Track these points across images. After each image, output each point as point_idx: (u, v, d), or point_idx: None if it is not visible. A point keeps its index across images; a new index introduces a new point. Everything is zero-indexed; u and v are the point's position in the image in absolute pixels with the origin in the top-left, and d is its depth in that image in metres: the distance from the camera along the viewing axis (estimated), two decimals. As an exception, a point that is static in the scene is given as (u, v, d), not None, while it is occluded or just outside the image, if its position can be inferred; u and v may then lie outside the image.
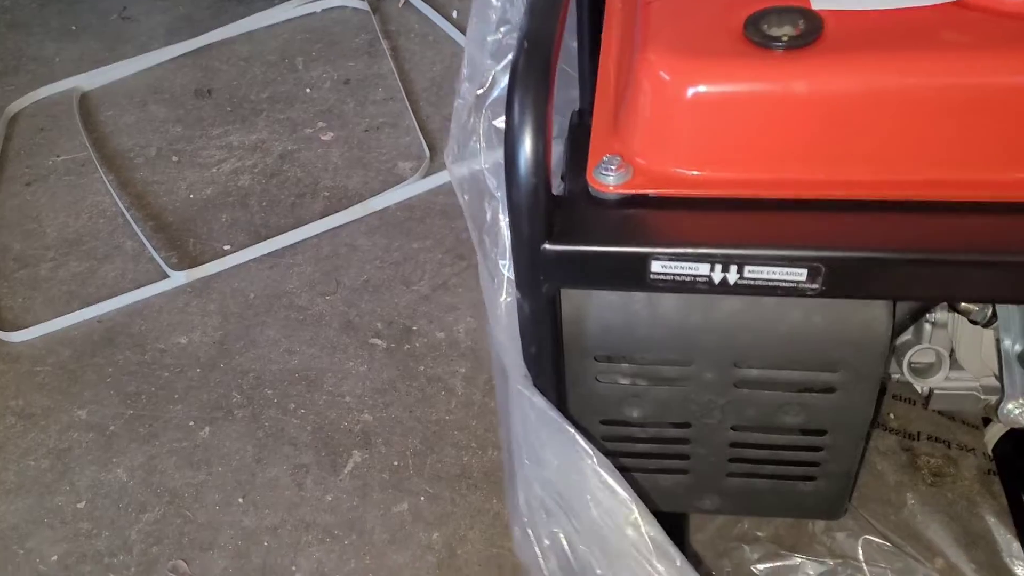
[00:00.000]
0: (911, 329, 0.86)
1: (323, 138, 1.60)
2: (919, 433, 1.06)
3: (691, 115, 0.61)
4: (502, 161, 0.59)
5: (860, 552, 0.95)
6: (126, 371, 1.25)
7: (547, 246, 0.61)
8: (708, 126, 0.62)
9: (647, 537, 0.67)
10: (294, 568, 1.03)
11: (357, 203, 1.47)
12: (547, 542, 0.75)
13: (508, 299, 0.67)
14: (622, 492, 0.66)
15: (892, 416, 1.09)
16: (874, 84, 0.59)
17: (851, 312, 0.68)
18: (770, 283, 0.61)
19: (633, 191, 0.63)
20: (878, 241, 0.59)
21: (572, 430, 0.67)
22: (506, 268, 0.66)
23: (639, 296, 0.69)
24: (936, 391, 0.87)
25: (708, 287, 0.61)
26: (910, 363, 0.85)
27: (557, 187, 0.62)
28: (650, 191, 0.63)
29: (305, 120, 1.63)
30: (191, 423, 1.19)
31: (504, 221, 0.65)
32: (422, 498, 1.08)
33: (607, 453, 0.81)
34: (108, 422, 1.19)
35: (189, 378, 1.24)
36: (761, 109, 0.61)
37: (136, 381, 1.24)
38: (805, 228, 0.61)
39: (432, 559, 1.02)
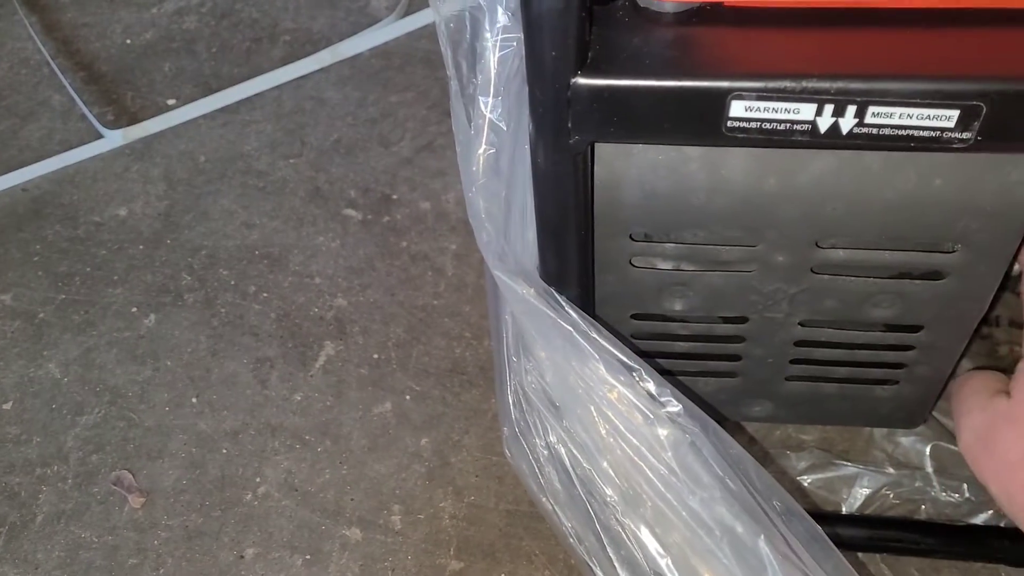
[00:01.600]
0: None
1: (281, -28, 1.36)
2: (998, 318, 0.90)
3: None
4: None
5: (928, 460, 0.80)
6: (56, 248, 1.06)
7: (579, 80, 0.42)
8: None
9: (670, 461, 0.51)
10: (258, 479, 0.87)
11: (324, 48, 1.24)
12: (544, 452, 0.59)
13: (488, 151, 0.48)
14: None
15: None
16: None
17: (984, 173, 0.50)
18: (903, 131, 0.42)
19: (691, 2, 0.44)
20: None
21: (569, 327, 0.50)
22: (487, 107, 0.47)
23: (695, 153, 0.51)
24: (1034, 270, 0.71)
25: (810, 138, 0.43)
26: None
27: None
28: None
29: (260, -51, 1.38)
30: (134, 309, 1.01)
31: (492, 41, 0.45)
32: (407, 397, 0.92)
33: (639, 354, 0.65)
34: (37, 308, 1.01)
35: (130, 256, 1.05)
36: None
37: (68, 260, 1.05)
38: (958, 50, 0.42)
39: (421, 468, 0.87)
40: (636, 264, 0.59)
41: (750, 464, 0.55)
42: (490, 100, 0.48)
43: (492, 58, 0.47)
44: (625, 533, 0.51)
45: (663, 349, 0.66)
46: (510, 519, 0.83)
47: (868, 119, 0.42)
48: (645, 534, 0.50)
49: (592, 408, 0.50)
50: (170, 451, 0.90)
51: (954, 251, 0.54)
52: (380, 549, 0.83)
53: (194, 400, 0.94)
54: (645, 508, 0.50)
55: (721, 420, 0.73)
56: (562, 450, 0.57)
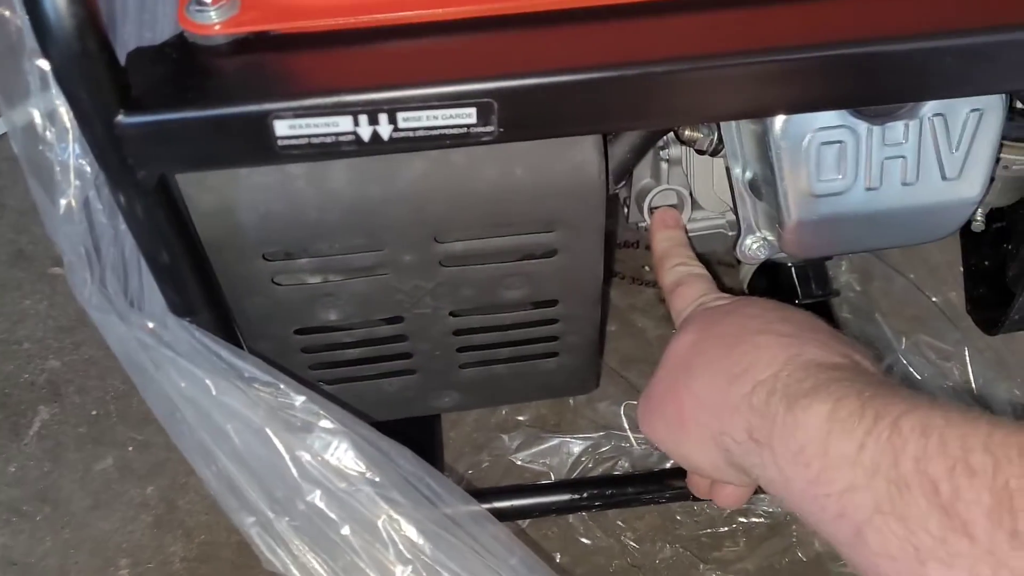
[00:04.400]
0: (649, 170, 0.76)
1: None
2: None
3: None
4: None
5: (623, 419, 0.88)
6: None
7: (122, 119, 0.44)
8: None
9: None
10: None
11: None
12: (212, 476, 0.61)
13: (73, 195, 0.50)
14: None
15: (647, 268, 1.01)
16: None
17: (555, 157, 0.56)
18: (435, 132, 0.46)
19: (242, 30, 0.47)
20: (554, 62, 0.45)
21: (172, 353, 0.52)
22: (66, 153, 0.48)
23: (298, 171, 0.54)
24: (683, 235, 0.79)
25: (358, 147, 0.47)
26: (652, 207, 0.76)
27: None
28: (266, 28, 0.47)
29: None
30: None
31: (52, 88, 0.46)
32: (130, 448, 0.91)
33: (314, 366, 0.68)
34: None
35: None
36: None
37: None
38: (466, 55, 0.47)
39: (148, 517, 0.86)
40: (280, 282, 0.61)
41: (402, 455, 0.58)
42: (69, 146, 0.49)
43: (64, 107, 0.49)
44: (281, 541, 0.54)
45: (336, 358, 0.69)
46: (242, 550, 0.84)
47: (401, 124, 0.46)
48: (294, 542, 0.52)
49: (230, 427, 0.52)
50: None
51: (554, 230, 0.60)
52: (108, 608, 0.82)
53: None
54: (293, 510, 0.53)
55: (415, 416, 0.77)
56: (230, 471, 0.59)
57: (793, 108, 0.54)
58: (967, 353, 0.87)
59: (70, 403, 0.94)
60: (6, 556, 0.84)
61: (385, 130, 0.46)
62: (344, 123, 0.45)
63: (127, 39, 0.51)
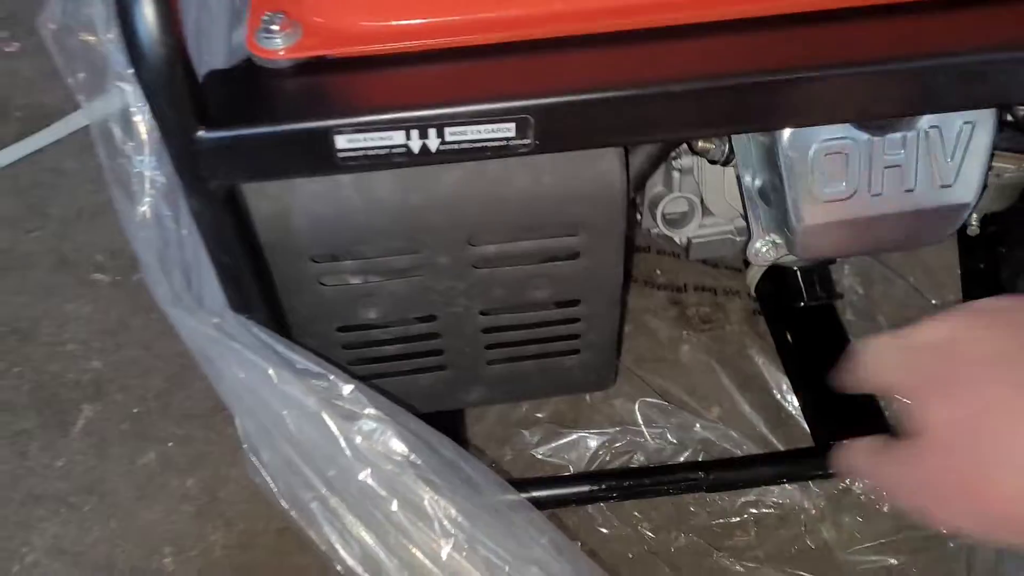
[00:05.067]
0: (661, 179, 0.81)
1: (7, 49, 1.36)
2: (686, 285, 1.04)
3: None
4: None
5: (638, 415, 0.93)
6: None
7: (202, 134, 0.49)
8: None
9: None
10: (26, 549, 0.89)
11: (58, 121, 1.26)
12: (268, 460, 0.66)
13: (148, 202, 0.55)
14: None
15: (659, 272, 1.06)
16: None
17: (581, 167, 0.61)
18: (477, 144, 0.52)
19: (305, 55, 0.52)
20: (585, 81, 0.51)
21: (238, 345, 0.57)
22: (144, 164, 0.54)
23: (348, 180, 0.59)
24: (694, 240, 0.84)
25: (409, 158, 0.52)
26: (664, 214, 0.81)
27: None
28: (326, 52, 0.52)
29: (-20, 29, 1.38)
30: None
31: (138, 104, 0.52)
32: (170, 444, 0.96)
33: (352, 362, 0.72)
34: None
35: None
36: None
37: None
38: (505, 76, 0.52)
39: (189, 508, 0.91)
40: (326, 283, 0.66)
41: (442, 443, 0.63)
42: (145, 158, 0.54)
43: (142, 122, 0.54)
44: (336, 517, 0.59)
45: (374, 355, 0.74)
46: (282, 537, 0.89)
47: (448, 138, 0.51)
48: (349, 518, 0.57)
49: (286, 414, 0.57)
50: (-71, 540, 0.90)
51: (577, 233, 0.65)
52: (154, 592, 0.87)
53: (-50, 487, 0.94)
54: (347, 491, 0.57)
55: (445, 409, 0.82)
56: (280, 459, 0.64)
57: (800, 122, 0.59)
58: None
59: (113, 401, 0.99)
60: (56, 545, 0.89)
61: (433, 143, 0.51)
62: (397, 137, 0.51)
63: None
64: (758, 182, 0.66)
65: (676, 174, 0.79)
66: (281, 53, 0.52)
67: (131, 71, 0.48)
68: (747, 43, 0.53)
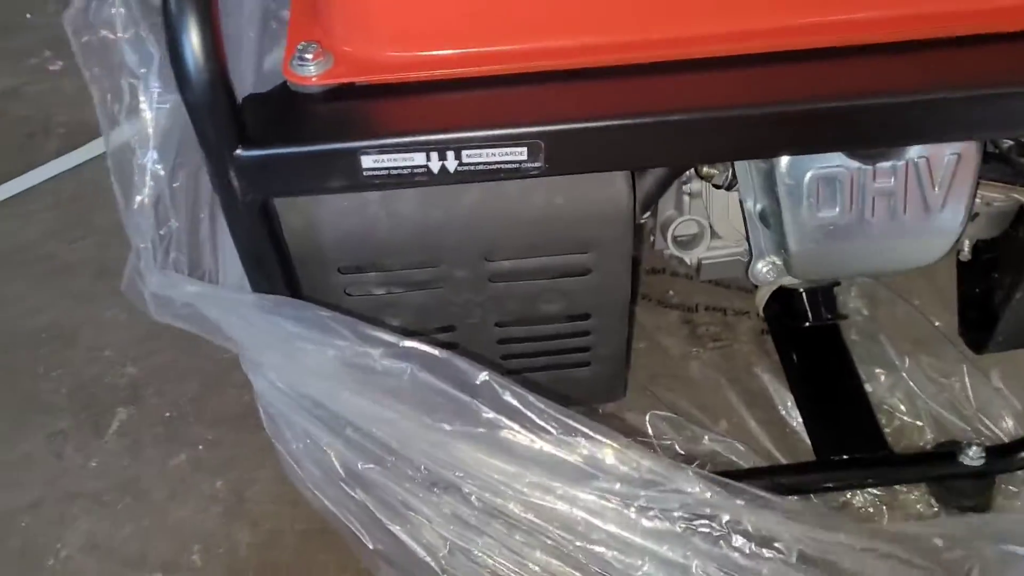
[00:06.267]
0: (673, 202, 0.85)
1: (51, 68, 1.43)
2: (697, 305, 1.08)
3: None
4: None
5: (648, 427, 0.96)
6: None
7: (240, 152, 0.54)
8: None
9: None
10: (59, 545, 0.93)
11: (99, 137, 1.32)
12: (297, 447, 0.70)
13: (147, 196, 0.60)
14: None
15: (672, 292, 1.10)
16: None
17: (591, 189, 0.65)
18: (492, 166, 0.56)
19: (335, 81, 0.57)
20: (592, 110, 0.55)
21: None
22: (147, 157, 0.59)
23: (373, 197, 0.64)
24: (704, 262, 0.87)
25: (428, 178, 0.56)
26: (675, 236, 0.84)
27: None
28: (354, 79, 0.57)
29: (28, 49, 1.45)
30: None
31: (149, 102, 0.58)
32: (201, 446, 1.00)
33: None
34: None
35: None
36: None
37: None
38: (518, 103, 0.56)
39: (218, 508, 0.95)
40: (351, 293, 0.70)
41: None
42: (148, 152, 0.60)
43: (148, 115, 0.59)
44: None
45: None
46: (304, 537, 0.93)
47: (465, 160, 0.55)
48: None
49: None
50: (-32, 534, 0.94)
51: (588, 251, 0.69)
52: (182, 586, 0.91)
53: (-11, 483, 0.98)
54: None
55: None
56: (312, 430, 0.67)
57: (797, 150, 0.63)
58: (966, 371, 0.95)
59: (147, 405, 1.04)
60: (90, 541, 0.94)
61: (451, 164, 0.56)
62: (419, 158, 0.55)
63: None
64: (758, 206, 0.70)
65: (686, 198, 0.83)
66: (313, 79, 0.57)
67: (175, 91, 0.53)
68: (742, 78, 0.57)
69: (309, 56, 0.56)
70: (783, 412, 0.98)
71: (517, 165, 0.56)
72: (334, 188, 0.57)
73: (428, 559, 0.65)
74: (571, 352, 0.80)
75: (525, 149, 0.55)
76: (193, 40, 0.50)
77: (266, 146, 0.54)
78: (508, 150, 0.55)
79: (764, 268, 0.73)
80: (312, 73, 0.57)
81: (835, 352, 0.97)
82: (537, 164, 0.56)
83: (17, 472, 0.99)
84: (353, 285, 0.70)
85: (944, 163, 0.64)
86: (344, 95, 0.57)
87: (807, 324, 0.90)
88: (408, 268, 0.69)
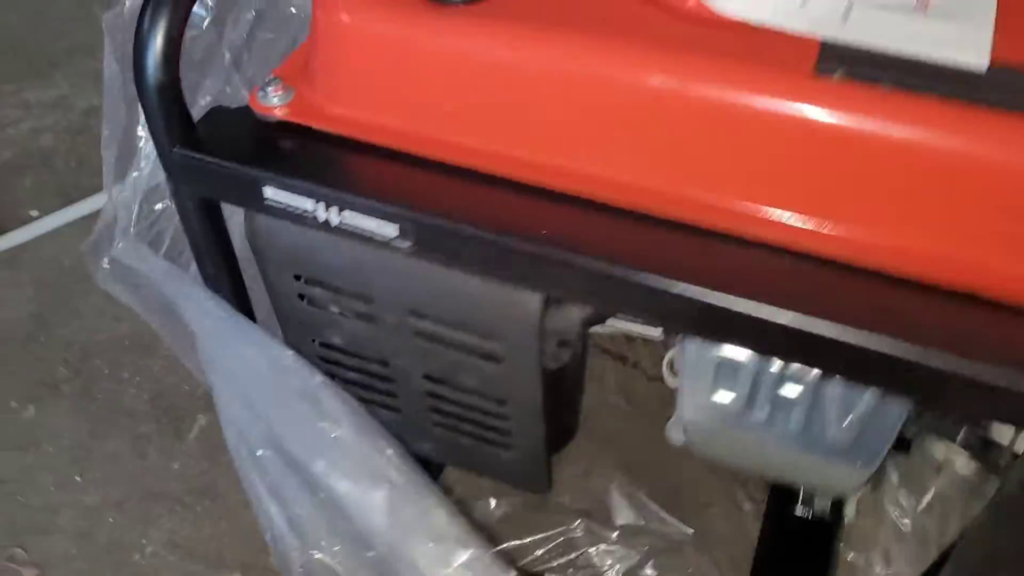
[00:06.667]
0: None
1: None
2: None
3: (333, 47, 0.61)
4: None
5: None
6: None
7: (176, 150, 0.62)
8: (350, 61, 0.61)
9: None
10: (144, 541, 0.98)
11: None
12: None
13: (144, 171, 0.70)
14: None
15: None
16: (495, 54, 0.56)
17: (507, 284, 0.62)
18: (368, 231, 0.59)
19: (279, 116, 0.63)
20: (463, 215, 0.56)
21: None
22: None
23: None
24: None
25: (315, 223, 0.60)
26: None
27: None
28: (292, 120, 0.62)
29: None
30: (13, 403, 1.12)
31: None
32: (275, 454, 1.03)
33: (327, 373, 0.74)
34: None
35: (4, 356, 1.16)
36: (397, 54, 0.59)
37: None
38: (402, 184, 0.59)
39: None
40: (304, 297, 0.72)
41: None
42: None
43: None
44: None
45: (341, 373, 0.76)
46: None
47: (346, 218, 0.59)
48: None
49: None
50: (59, 526, 1.00)
51: (498, 341, 0.65)
52: (261, 587, 0.91)
53: (78, 479, 1.04)
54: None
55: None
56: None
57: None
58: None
59: (225, 413, 1.10)
60: (171, 540, 0.98)
61: (335, 219, 0.59)
62: (308, 204, 0.59)
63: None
64: (676, 364, 0.65)
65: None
66: (266, 109, 0.63)
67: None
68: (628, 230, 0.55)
69: (271, 89, 0.63)
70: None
71: (390, 238, 0.58)
72: (245, 205, 0.63)
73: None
74: (491, 430, 0.75)
75: (397, 226, 0.58)
76: (156, 48, 0.59)
77: (195, 150, 0.61)
78: (380, 222, 0.58)
79: (674, 430, 0.66)
80: (269, 104, 0.63)
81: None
82: (408, 244, 0.58)
83: (104, 470, 1.05)
84: (305, 293, 0.72)
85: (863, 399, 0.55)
86: (288, 131, 0.63)
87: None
88: (347, 295, 0.70)
